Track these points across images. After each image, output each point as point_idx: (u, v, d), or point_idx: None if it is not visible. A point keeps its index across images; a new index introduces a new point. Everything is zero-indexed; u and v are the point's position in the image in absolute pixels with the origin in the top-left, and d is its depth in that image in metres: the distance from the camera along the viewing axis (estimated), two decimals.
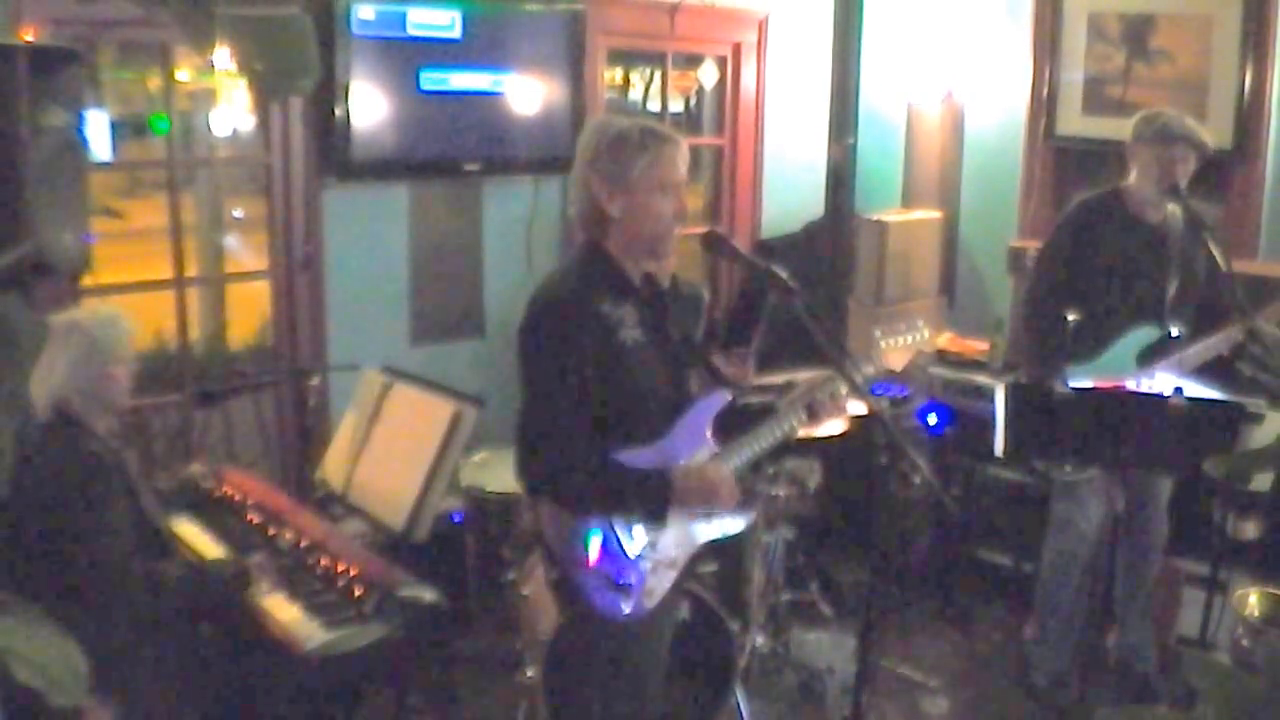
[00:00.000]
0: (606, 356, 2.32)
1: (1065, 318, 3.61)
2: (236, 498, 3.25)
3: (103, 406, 2.76)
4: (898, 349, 2.66)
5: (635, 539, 2.39)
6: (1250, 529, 3.76)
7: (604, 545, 2.37)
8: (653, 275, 2.47)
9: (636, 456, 2.38)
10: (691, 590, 3.14)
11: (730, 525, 2.55)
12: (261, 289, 4.31)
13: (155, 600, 2.62)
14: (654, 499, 2.37)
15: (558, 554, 2.43)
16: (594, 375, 2.31)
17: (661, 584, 2.44)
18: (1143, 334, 3.54)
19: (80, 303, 3.27)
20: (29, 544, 2.59)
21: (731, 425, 2.54)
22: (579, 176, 2.39)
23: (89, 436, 2.68)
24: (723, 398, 2.51)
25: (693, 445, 2.47)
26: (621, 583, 2.37)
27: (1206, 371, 3.47)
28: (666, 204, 2.37)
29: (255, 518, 3.14)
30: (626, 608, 2.38)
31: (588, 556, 2.36)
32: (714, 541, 2.56)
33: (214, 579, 2.79)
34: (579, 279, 2.39)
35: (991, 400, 3.39)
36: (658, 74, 5.58)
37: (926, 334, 2.69)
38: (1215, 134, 3.72)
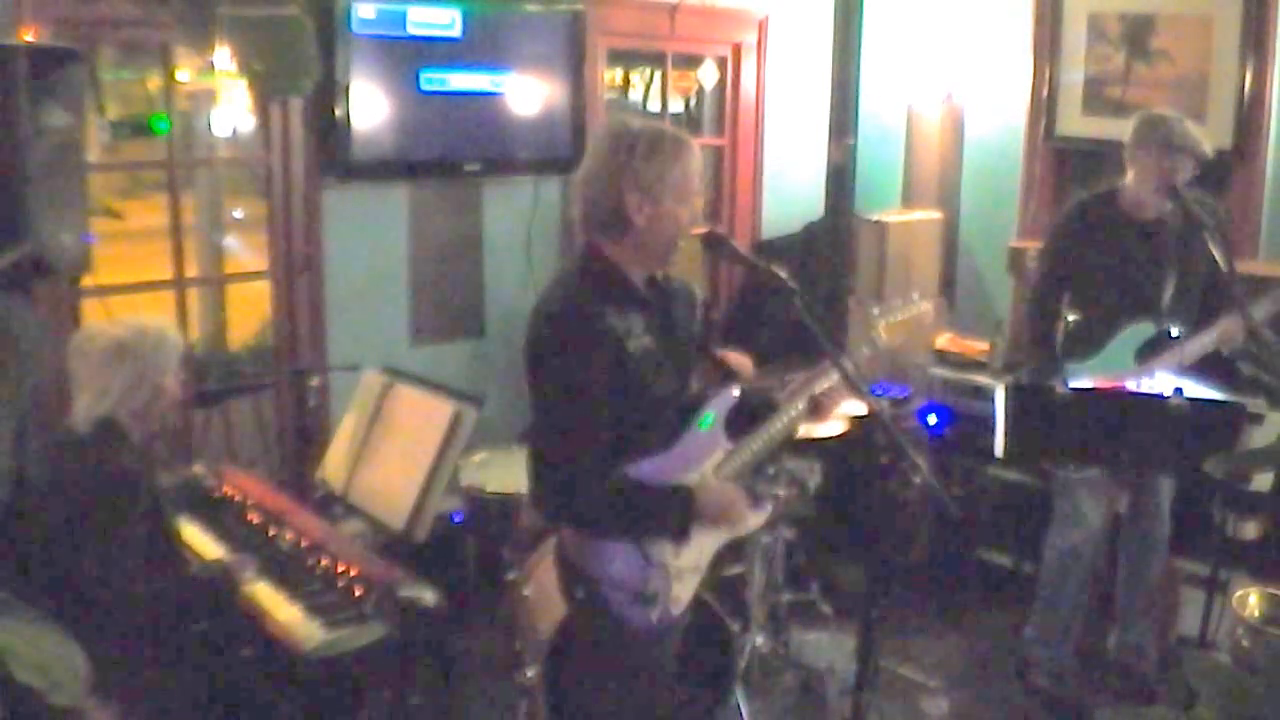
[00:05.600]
0: (618, 369, 2.28)
1: (1065, 318, 3.61)
2: (237, 498, 3.25)
3: (151, 418, 2.77)
4: (895, 324, 2.65)
5: (660, 548, 2.38)
6: (1250, 529, 3.76)
7: (629, 558, 2.36)
8: (655, 278, 2.44)
9: (652, 464, 2.36)
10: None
11: (749, 524, 2.55)
12: (261, 289, 4.31)
13: (154, 613, 2.62)
14: (678, 518, 2.35)
15: (582, 571, 2.41)
16: (607, 389, 2.27)
17: (686, 590, 2.44)
18: (1139, 331, 3.55)
19: (110, 315, 3.25)
20: (44, 548, 2.60)
21: (738, 421, 2.53)
22: (603, 180, 2.29)
23: (125, 449, 2.68)
24: (732, 396, 2.50)
25: (709, 448, 2.46)
26: (648, 594, 2.36)
27: (1207, 371, 3.47)
28: (686, 212, 2.33)
29: (255, 518, 3.14)
30: (654, 617, 2.37)
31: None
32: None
33: (202, 584, 2.80)
34: (582, 290, 2.32)
35: (991, 400, 3.39)
36: (658, 74, 5.57)
37: (924, 306, 2.68)
38: (1215, 134, 3.72)
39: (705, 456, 2.46)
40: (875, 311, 2.64)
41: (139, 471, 2.67)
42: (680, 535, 2.37)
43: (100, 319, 3.29)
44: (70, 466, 2.64)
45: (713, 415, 2.45)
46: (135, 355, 2.70)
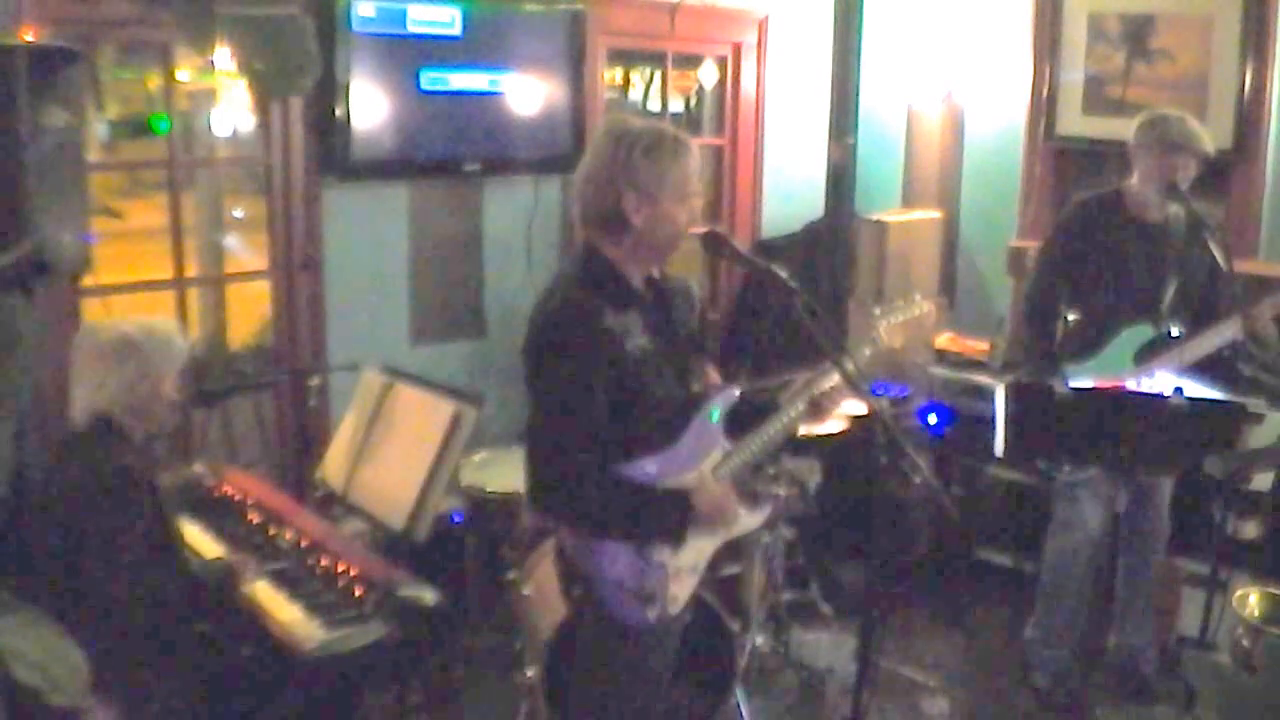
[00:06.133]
0: (616, 370, 2.28)
1: (1064, 317, 3.61)
2: (237, 498, 3.25)
3: (147, 419, 2.77)
4: (896, 325, 2.65)
5: (657, 548, 2.37)
6: (1250, 529, 3.76)
7: (626, 557, 2.36)
8: (654, 277, 2.45)
9: (652, 464, 2.36)
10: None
11: (747, 524, 2.55)
12: (261, 289, 4.30)
13: (154, 612, 2.62)
14: (673, 521, 2.35)
15: (579, 568, 2.41)
16: (605, 390, 2.27)
17: (685, 590, 2.44)
18: (1137, 333, 3.55)
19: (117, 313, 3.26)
20: (45, 547, 2.60)
21: (738, 421, 2.53)
22: (601, 181, 2.30)
23: (124, 447, 2.68)
24: (732, 394, 2.50)
25: (707, 448, 2.45)
26: (646, 593, 2.36)
27: (1207, 371, 3.47)
28: (685, 212, 2.34)
29: (255, 518, 3.14)
30: (651, 616, 2.37)
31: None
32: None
33: (203, 584, 2.80)
34: (581, 291, 2.32)
35: (991, 400, 3.39)
36: (658, 74, 5.57)
37: (925, 306, 2.69)
38: (1215, 134, 3.72)
39: (706, 454, 2.46)
40: (876, 312, 2.64)
41: (140, 471, 2.67)
42: (676, 539, 2.38)
43: (101, 319, 3.29)
44: (71, 465, 2.64)
45: (719, 409, 2.45)
46: (140, 353, 2.69)
